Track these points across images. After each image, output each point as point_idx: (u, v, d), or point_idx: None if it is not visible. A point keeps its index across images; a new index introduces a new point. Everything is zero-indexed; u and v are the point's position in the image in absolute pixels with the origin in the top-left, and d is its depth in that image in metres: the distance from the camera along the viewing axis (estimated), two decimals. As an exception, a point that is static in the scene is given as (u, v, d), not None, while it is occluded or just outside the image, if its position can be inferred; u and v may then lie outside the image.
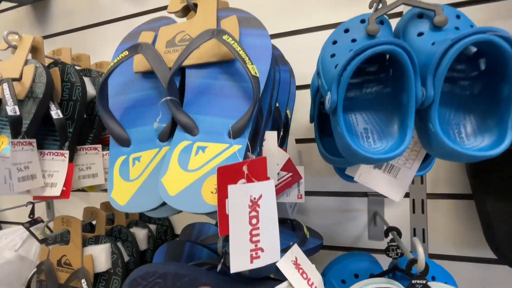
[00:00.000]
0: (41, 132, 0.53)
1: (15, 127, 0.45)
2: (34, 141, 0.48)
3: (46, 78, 0.49)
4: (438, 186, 0.55)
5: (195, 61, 0.35)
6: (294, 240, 0.44)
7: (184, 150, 0.30)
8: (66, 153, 0.51)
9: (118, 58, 0.34)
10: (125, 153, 0.35)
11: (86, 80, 0.57)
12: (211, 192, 0.28)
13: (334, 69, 0.31)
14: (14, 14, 0.91)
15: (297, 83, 0.61)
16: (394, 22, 0.34)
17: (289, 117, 0.53)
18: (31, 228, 0.81)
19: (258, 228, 0.27)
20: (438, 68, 0.26)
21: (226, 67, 0.34)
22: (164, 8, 0.71)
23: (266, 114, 0.38)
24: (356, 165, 0.39)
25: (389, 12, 0.32)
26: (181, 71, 0.36)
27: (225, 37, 0.31)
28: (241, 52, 0.30)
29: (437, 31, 0.30)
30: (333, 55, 0.32)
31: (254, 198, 0.27)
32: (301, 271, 0.38)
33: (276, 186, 0.47)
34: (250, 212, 0.26)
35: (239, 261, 0.26)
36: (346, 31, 0.33)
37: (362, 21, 0.33)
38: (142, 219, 0.74)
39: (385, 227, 0.49)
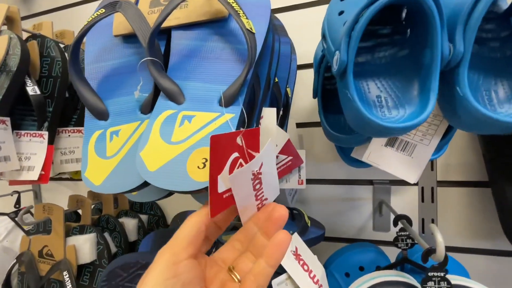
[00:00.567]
0: (19, 111, 0.48)
1: (-16, 103, 0.40)
2: (7, 119, 0.44)
3: (20, 50, 0.44)
4: (449, 173, 0.51)
5: (182, 20, 0.30)
6: (294, 229, 0.40)
7: (167, 120, 0.26)
8: (45, 134, 0.47)
9: (93, 17, 0.30)
10: (102, 127, 0.30)
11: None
12: (198, 167, 0.23)
13: (342, 26, 0.26)
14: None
15: (298, 62, 0.56)
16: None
17: (290, 96, 0.48)
18: (16, 219, 0.77)
19: (261, 189, 0.24)
20: (470, 18, 0.22)
21: (217, 27, 0.30)
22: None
23: (263, 86, 0.33)
24: (364, 145, 0.34)
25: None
26: (167, 34, 0.32)
27: (215, -11, 0.27)
28: (234, 5, 0.26)
29: (465, -19, 0.25)
30: (341, 13, 0.28)
31: (256, 171, 0.23)
32: (301, 262, 0.34)
33: (274, 170, 0.43)
34: (253, 183, 0.23)
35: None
36: (357, -15, 0.28)
37: (376, -27, 0.28)
38: (133, 209, 0.70)
39: (392, 217, 0.45)
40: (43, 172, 0.46)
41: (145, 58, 0.26)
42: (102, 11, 0.30)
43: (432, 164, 0.51)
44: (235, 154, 0.23)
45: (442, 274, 0.29)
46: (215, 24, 0.30)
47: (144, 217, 0.68)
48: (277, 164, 0.43)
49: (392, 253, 0.45)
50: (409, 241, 0.39)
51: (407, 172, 0.30)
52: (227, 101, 0.25)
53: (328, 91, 0.39)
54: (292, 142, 0.43)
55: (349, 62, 0.24)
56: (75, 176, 0.57)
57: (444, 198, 0.51)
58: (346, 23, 0.25)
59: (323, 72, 0.35)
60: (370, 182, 0.55)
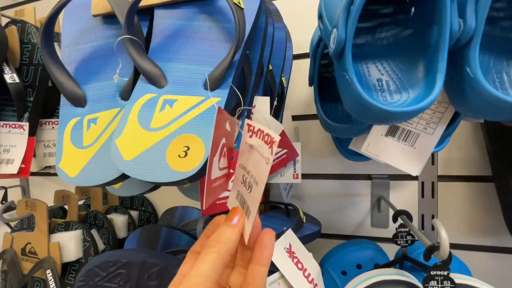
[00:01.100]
0: (-2, 101, 0.46)
1: (-43, 90, 0.37)
2: (-17, 109, 0.41)
3: (-3, 35, 0.41)
4: (450, 167, 0.49)
5: (165, -2, 0.28)
6: (288, 225, 0.38)
7: (147, 105, 0.24)
8: (26, 125, 0.44)
9: (67, -7, 0.27)
10: (78, 114, 0.28)
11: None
12: (179, 156, 0.21)
13: (340, 3, 0.24)
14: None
15: (295, 52, 0.54)
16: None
17: (285, 86, 0.46)
18: (4, 215, 0.74)
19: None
20: (483, -11, 0.19)
21: (205, 5, 0.27)
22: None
23: (255, 71, 0.31)
24: (363, 136, 0.32)
25: None
26: (150, 14, 0.29)
27: (201, -39, 0.24)
28: (221, -22, 0.23)
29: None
30: (339, -11, 0.25)
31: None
32: (295, 260, 0.32)
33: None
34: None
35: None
36: (357, -42, 0.26)
37: None
38: (123, 205, 0.68)
39: (391, 213, 0.43)
40: (23, 166, 0.43)
41: (122, 37, 0.24)
42: (77, -14, 0.27)
43: (433, 157, 0.49)
44: (223, 141, 0.20)
45: (445, 273, 0.27)
46: (202, 2, 0.28)
47: (134, 213, 0.65)
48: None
49: (390, 250, 0.43)
50: (409, 237, 0.37)
51: (409, 163, 0.28)
52: (213, 84, 0.23)
53: (325, 79, 0.37)
54: (288, 135, 0.41)
55: (347, 40, 0.21)
56: (61, 170, 0.54)
57: (445, 193, 0.49)
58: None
59: (319, 58, 0.33)
60: (368, 177, 0.53)
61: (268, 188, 0.56)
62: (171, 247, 0.37)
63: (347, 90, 0.23)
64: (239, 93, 0.23)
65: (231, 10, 0.23)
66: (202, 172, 0.20)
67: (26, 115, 0.45)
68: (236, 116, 0.26)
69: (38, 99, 0.46)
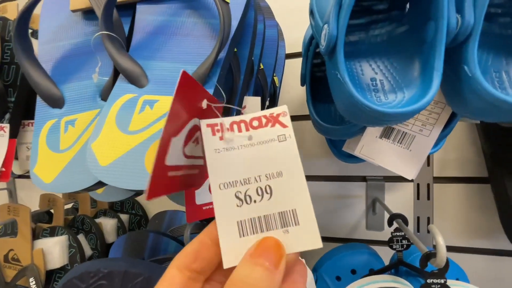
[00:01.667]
0: (-23, 102, 0.43)
1: None
2: (-40, 110, 0.39)
3: (-26, 32, 0.39)
4: (446, 168, 0.48)
5: (148, -8, 0.26)
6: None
7: (126, 106, 0.22)
8: (6, 126, 0.42)
9: (42, -14, 0.25)
10: (55, 116, 0.26)
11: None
12: (158, 160, 0.19)
13: (332, -1, 0.23)
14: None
15: (288, 51, 0.52)
16: None
17: (277, 86, 0.44)
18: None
19: None
20: (482, -18, 0.18)
21: (189, 0, 0.26)
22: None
23: (244, 70, 0.29)
24: (357, 138, 0.31)
25: None
26: (132, 10, 0.28)
27: (184, -48, 0.23)
28: (204, -30, 0.22)
29: None
30: (331, -17, 0.24)
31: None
32: (287, 267, 0.31)
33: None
34: None
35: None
36: (349, -48, 0.25)
37: None
38: (113, 208, 0.66)
39: (386, 216, 0.42)
40: (3, 169, 0.41)
41: (99, 33, 0.22)
42: (53, -21, 0.26)
43: (428, 159, 0.48)
44: (194, 122, 0.16)
45: (442, 281, 0.26)
46: (187, -4, 0.26)
47: (124, 217, 0.63)
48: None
49: (386, 254, 0.42)
50: (404, 242, 0.36)
51: (404, 167, 0.27)
52: (199, 81, 0.22)
53: (317, 78, 0.36)
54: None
55: (339, 37, 0.20)
56: (46, 174, 0.52)
57: (440, 195, 0.48)
58: (336, -8, 0.21)
59: (311, 57, 0.31)
60: (363, 179, 0.52)
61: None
62: (159, 254, 0.36)
63: (339, 90, 0.22)
64: (223, 93, 0.21)
65: (215, 4, 0.21)
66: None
67: (7, 116, 0.43)
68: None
69: (19, 99, 0.44)
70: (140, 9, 0.26)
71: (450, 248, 0.48)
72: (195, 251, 0.14)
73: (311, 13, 0.26)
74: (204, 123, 0.15)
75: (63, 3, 0.30)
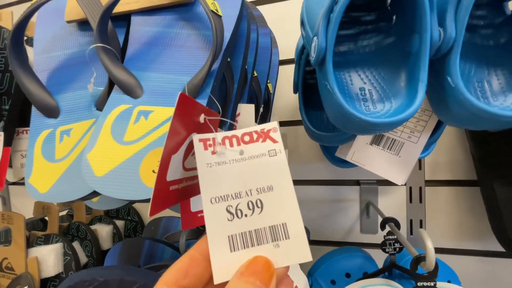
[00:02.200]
0: (-29, 110, 0.43)
1: None
2: (-46, 118, 0.39)
3: (-32, 41, 0.39)
4: (437, 172, 0.49)
5: (143, 4, 0.27)
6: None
7: (121, 117, 0.22)
8: (1, 134, 0.42)
9: (37, -1, 0.26)
10: (51, 126, 0.26)
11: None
12: (153, 171, 0.20)
13: (321, 9, 0.23)
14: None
15: (281, 57, 0.53)
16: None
17: (271, 92, 0.45)
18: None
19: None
20: (462, -2, 0.19)
21: (183, 11, 0.26)
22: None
23: (238, 79, 0.30)
24: (349, 144, 0.32)
25: None
26: (127, 21, 0.28)
27: (178, -34, 0.23)
28: (199, -15, 0.23)
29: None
30: (321, -4, 0.25)
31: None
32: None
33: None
34: None
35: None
36: (338, -34, 0.26)
37: (358, -47, 0.25)
38: (109, 215, 0.65)
39: (380, 219, 0.42)
40: (-3, 177, 0.41)
41: (94, 45, 0.23)
42: (48, -8, 0.26)
43: (420, 163, 0.49)
44: (194, 136, 0.18)
45: (432, 284, 0.26)
46: (180, 8, 0.27)
47: (120, 223, 0.63)
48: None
49: (381, 256, 0.42)
50: (397, 245, 0.36)
51: (394, 172, 0.28)
52: (191, 94, 0.22)
53: (309, 85, 0.37)
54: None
55: (328, 49, 0.21)
56: (40, 181, 0.52)
57: (432, 198, 0.49)
58: (324, 6, 0.22)
59: (303, 65, 0.32)
60: (356, 183, 0.53)
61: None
62: (155, 261, 0.36)
63: (328, 100, 0.22)
64: (218, 103, 0.22)
65: (208, 17, 0.22)
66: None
67: (1, 124, 0.43)
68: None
69: (14, 107, 0.44)
70: (135, 20, 0.27)
71: (442, 250, 0.48)
72: (185, 267, 0.14)
73: (302, 24, 0.27)
74: (196, 138, 0.15)
75: (58, 13, 0.30)
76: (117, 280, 0.27)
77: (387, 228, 0.38)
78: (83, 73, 0.28)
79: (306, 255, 0.13)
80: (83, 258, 0.52)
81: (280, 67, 0.53)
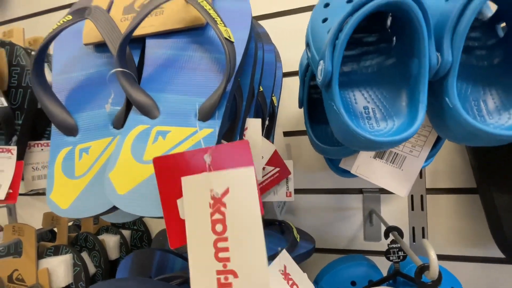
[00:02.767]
0: (-15, 125, 0.45)
1: None
2: (-30, 134, 0.40)
3: (-15, 60, 0.41)
4: (438, 180, 0.50)
5: (157, 28, 0.28)
6: (282, 245, 0.38)
7: (140, 137, 0.24)
8: (14, 149, 0.43)
9: (59, 23, 0.27)
10: (70, 144, 0.28)
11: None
12: (172, 188, 0.21)
13: (327, 34, 0.25)
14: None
15: (284, 70, 0.55)
16: None
17: (275, 105, 0.47)
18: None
19: (225, 239, 0.19)
20: (457, 26, 0.21)
21: (195, 35, 0.28)
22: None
23: (246, 96, 0.32)
24: (353, 156, 0.33)
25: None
26: (141, 43, 0.30)
27: (191, -5, 0.25)
28: (211, 12, 0.24)
29: (449, -12, 0.24)
30: (325, 20, 0.27)
31: (217, 195, 0.20)
32: (291, 282, 0.32)
33: (261, 183, 0.41)
34: (212, 215, 0.19)
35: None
36: (341, -9, 0.27)
37: (359, -20, 0.27)
38: (115, 225, 0.66)
39: (383, 227, 0.43)
40: (11, 191, 0.42)
41: (115, 70, 0.24)
42: (69, 17, 0.28)
43: (421, 172, 0.50)
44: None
45: (436, 292, 0.27)
46: (193, 32, 0.28)
47: (126, 233, 0.64)
48: (263, 176, 0.41)
49: (384, 263, 0.43)
50: (400, 253, 0.38)
51: (397, 185, 0.29)
52: (205, 115, 0.24)
53: (314, 100, 0.38)
54: (280, 151, 0.41)
55: (334, 73, 0.22)
56: (50, 192, 0.53)
57: (433, 206, 0.51)
58: (330, 31, 0.24)
59: (308, 81, 0.34)
60: (359, 191, 0.54)
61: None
62: (166, 272, 0.37)
63: (334, 119, 0.24)
64: (228, 122, 0.23)
65: (221, 44, 0.23)
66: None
67: (14, 138, 0.44)
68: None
69: (26, 122, 0.45)
70: (150, 43, 0.28)
71: (444, 257, 0.49)
72: None
73: (308, 45, 0.28)
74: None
75: (74, 36, 0.32)
76: (133, 291, 0.28)
77: (391, 237, 0.39)
78: (100, 93, 0.29)
79: None
80: (91, 269, 0.52)
81: (284, 79, 0.55)
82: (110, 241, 0.58)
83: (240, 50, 0.26)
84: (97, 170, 0.26)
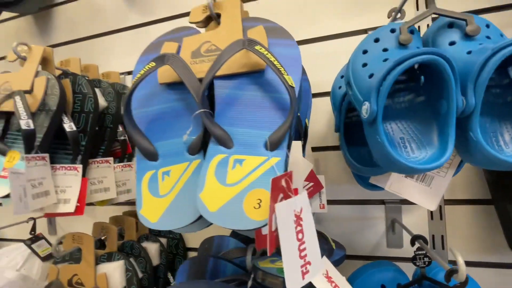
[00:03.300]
0: (52, 145, 0.51)
1: (29, 142, 0.43)
2: (47, 155, 0.46)
3: (59, 90, 0.47)
4: (455, 192, 0.55)
5: (223, 71, 0.34)
6: (323, 252, 0.43)
7: (221, 164, 0.29)
8: (79, 167, 0.49)
9: (144, 70, 0.33)
10: (153, 168, 0.34)
11: (96, 91, 0.56)
12: (254, 207, 0.27)
13: (368, 78, 0.31)
14: (14, 24, 0.89)
15: (312, 91, 0.61)
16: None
17: (307, 126, 0.52)
18: (32, 246, 0.78)
19: (304, 243, 0.26)
20: (479, 77, 0.26)
21: (255, 77, 0.34)
22: (173, 18, 0.70)
23: (295, 124, 0.37)
24: (383, 174, 0.38)
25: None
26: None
27: (257, 47, 0.31)
28: (275, 63, 0.30)
29: (469, 40, 0.30)
30: (365, 65, 0.32)
31: (298, 212, 0.26)
32: (333, 284, 0.37)
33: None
34: (296, 228, 0.26)
35: (294, 278, 0.25)
36: (376, 40, 0.33)
37: (392, 31, 0.33)
38: (153, 233, 0.72)
39: (405, 235, 0.48)
40: (78, 204, 0.48)
41: (199, 111, 0.30)
42: (152, 64, 0.34)
43: (438, 184, 0.55)
44: (281, 195, 0.26)
45: (463, 293, 0.32)
46: (253, 75, 0.34)
47: (163, 240, 0.69)
48: (300, 190, 0.47)
49: (406, 268, 0.48)
50: (426, 259, 0.42)
51: (426, 200, 0.34)
52: (273, 145, 0.29)
53: (347, 124, 0.44)
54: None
55: (378, 113, 0.28)
56: (101, 204, 0.59)
57: (452, 215, 0.55)
58: (372, 77, 0.29)
59: (345, 109, 0.39)
60: (381, 202, 0.59)
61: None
62: (219, 276, 0.42)
63: (377, 148, 0.29)
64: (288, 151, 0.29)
65: (286, 90, 0.29)
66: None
67: (79, 157, 0.50)
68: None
69: (89, 143, 0.51)
70: (218, 83, 0.34)
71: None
72: None
73: (349, 84, 0.34)
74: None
75: (148, 77, 0.38)
76: (205, 292, 0.33)
77: (417, 244, 0.44)
78: (174, 124, 0.35)
79: None
80: (139, 274, 0.58)
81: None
82: (152, 248, 0.64)
83: (297, 91, 0.32)
84: (178, 190, 0.32)
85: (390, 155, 0.27)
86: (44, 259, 0.79)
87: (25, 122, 0.42)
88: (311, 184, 0.48)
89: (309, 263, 0.26)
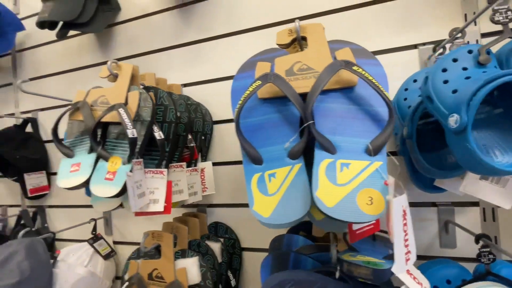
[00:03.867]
0: (138, 152, 0.57)
1: (133, 148, 0.49)
2: (141, 160, 0.52)
3: (151, 103, 0.54)
4: (506, 195, 0.59)
5: (319, 88, 0.40)
6: (390, 248, 0.48)
7: (329, 167, 0.35)
8: (165, 171, 0.55)
9: (252, 87, 0.39)
10: (259, 170, 0.39)
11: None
12: (366, 203, 0.32)
13: (451, 93, 0.36)
14: (76, 41, 0.97)
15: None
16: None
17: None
18: (94, 245, 0.84)
19: (407, 234, 0.31)
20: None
21: (346, 92, 0.39)
22: (229, 35, 0.77)
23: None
24: (450, 178, 0.43)
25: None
26: (301, 96, 0.41)
27: (355, 68, 0.37)
28: (374, 81, 0.35)
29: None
30: (446, 81, 0.37)
31: (405, 207, 0.31)
32: (412, 276, 0.42)
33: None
34: (403, 223, 0.31)
35: (401, 264, 0.30)
36: (455, 60, 0.38)
37: (469, 52, 0.38)
38: (210, 232, 0.77)
39: (458, 235, 0.52)
40: (165, 204, 0.54)
41: (308, 122, 0.35)
42: (259, 83, 0.40)
43: (490, 187, 0.59)
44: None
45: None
46: (344, 90, 0.40)
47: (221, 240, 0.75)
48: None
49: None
50: (491, 256, 0.46)
51: (501, 200, 0.38)
52: (375, 151, 0.34)
53: (420, 132, 0.48)
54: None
55: (468, 123, 0.33)
56: (174, 206, 0.64)
57: (504, 217, 0.59)
58: (459, 94, 0.34)
59: (417, 118, 0.44)
60: (433, 204, 0.63)
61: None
62: (300, 269, 0.47)
63: (466, 154, 0.34)
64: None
65: (387, 107, 0.34)
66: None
67: (164, 162, 0.56)
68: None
69: (171, 149, 0.58)
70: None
71: (518, 262, 0.57)
72: None
73: (429, 98, 0.39)
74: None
75: (244, 91, 0.44)
76: (306, 280, 0.38)
77: (481, 243, 0.48)
78: (273, 133, 0.41)
79: None
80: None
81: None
82: (215, 247, 0.69)
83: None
84: (285, 189, 0.37)
85: (479, 159, 0.32)
86: (105, 257, 0.85)
87: (131, 132, 0.48)
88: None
89: (410, 252, 0.31)
